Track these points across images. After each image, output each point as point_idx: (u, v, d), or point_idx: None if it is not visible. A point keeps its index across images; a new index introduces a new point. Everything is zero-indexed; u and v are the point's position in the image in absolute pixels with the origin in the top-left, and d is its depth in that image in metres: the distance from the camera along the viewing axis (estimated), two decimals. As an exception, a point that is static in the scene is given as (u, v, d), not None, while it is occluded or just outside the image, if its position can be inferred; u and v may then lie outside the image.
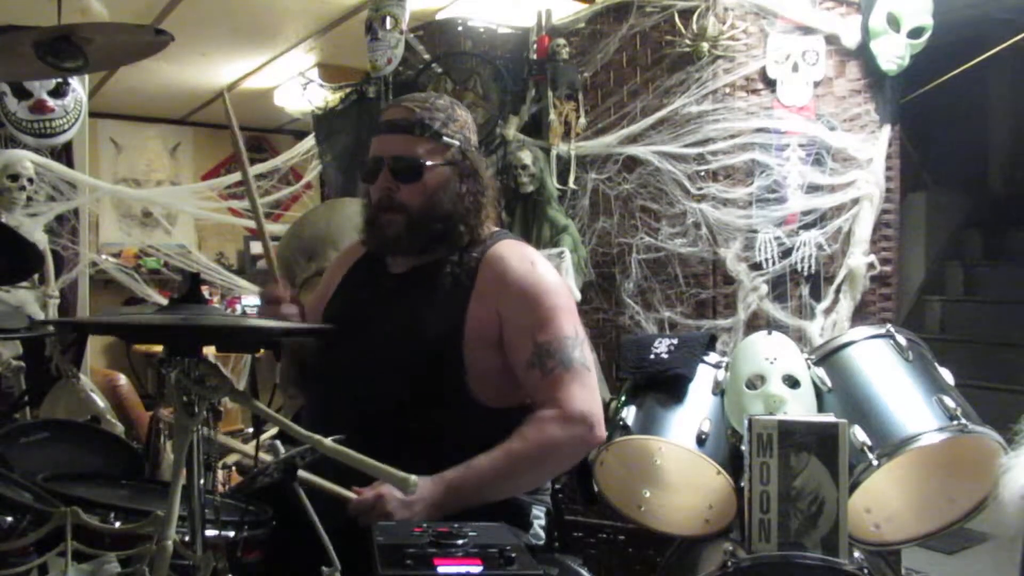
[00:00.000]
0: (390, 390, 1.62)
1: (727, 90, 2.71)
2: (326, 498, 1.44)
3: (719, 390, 1.94)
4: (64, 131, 3.07)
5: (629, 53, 2.89)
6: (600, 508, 1.94)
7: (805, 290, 2.69)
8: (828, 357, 1.93)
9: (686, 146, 2.72)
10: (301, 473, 1.34)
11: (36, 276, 2.91)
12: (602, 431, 1.61)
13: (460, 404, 1.62)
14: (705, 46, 2.71)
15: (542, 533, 1.70)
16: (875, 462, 1.66)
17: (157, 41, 1.43)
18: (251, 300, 4.85)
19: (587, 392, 1.60)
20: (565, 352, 1.59)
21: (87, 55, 1.38)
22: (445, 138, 1.67)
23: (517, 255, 1.68)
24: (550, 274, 1.68)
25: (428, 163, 1.65)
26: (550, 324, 1.60)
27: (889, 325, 1.95)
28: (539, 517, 1.71)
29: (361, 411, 1.62)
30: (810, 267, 2.67)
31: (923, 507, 1.79)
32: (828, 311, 2.67)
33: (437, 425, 1.59)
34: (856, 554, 1.71)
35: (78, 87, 3.10)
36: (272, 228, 4.37)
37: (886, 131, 2.69)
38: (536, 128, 2.97)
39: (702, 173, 2.72)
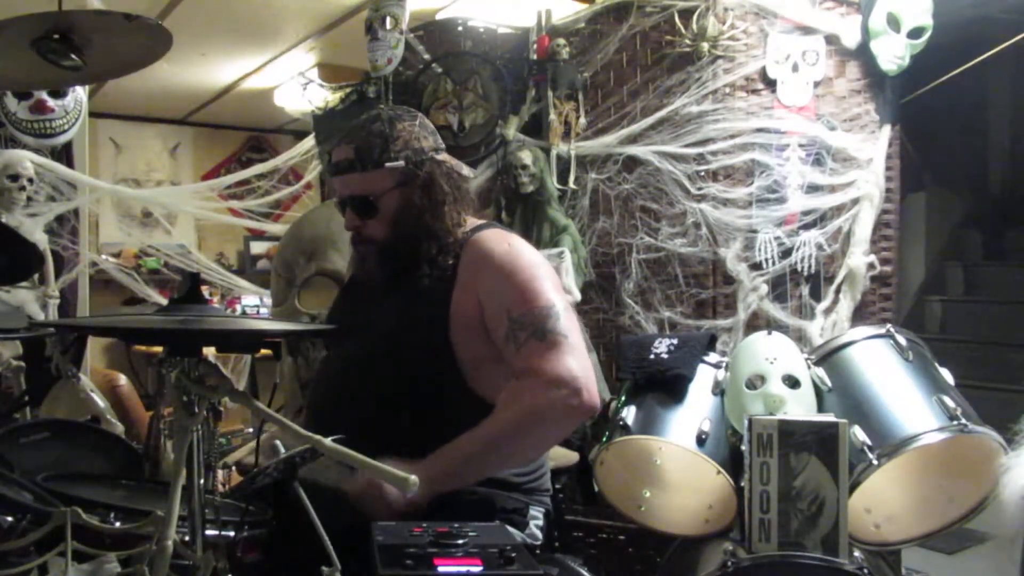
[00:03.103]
0: (385, 388, 1.63)
1: (727, 90, 2.71)
2: (326, 498, 1.44)
3: (719, 390, 1.93)
4: (64, 131, 3.07)
5: (629, 53, 2.89)
6: (600, 508, 1.93)
7: (805, 290, 2.69)
8: (828, 357, 1.92)
9: (686, 146, 2.72)
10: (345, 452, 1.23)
11: (36, 276, 2.91)
12: (592, 396, 1.54)
13: (458, 398, 1.63)
14: (705, 46, 2.71)
15: (539, 533, 1.70)
16: (875, 462, 1.66)
17: (156, 42, 1.43)
18: (251, 300, 4.84)
19: (567, 357, 1.55)
20: (538, 323, 1.57)
21: (84, 54, 1.38)
22: (388, 164, 1.66)
23: (494, 239, 1.70)
24: (526, 251, 1.69)
25: (378, 195, 1.68)
26: (523, 298, 1.60)
27: (889, 325, 1.95)
28: (536, 518, 1.71)
29: (360, 411, 1.62)
30: (810, 267, 2.67)
31: (923, 507, 1.79)
32: (828, 311, 2.67)
33: (436, 422, 1.59)
34: (856, 554, 1.71)
35: (78, 87, 3.10)
36: (272, 228, 4.40)
37: (886, 131, 2.69)
38: (536, 128, 2.97)
39: (702, 173, 2.72)
